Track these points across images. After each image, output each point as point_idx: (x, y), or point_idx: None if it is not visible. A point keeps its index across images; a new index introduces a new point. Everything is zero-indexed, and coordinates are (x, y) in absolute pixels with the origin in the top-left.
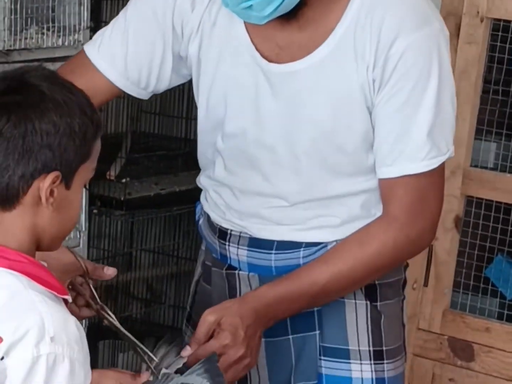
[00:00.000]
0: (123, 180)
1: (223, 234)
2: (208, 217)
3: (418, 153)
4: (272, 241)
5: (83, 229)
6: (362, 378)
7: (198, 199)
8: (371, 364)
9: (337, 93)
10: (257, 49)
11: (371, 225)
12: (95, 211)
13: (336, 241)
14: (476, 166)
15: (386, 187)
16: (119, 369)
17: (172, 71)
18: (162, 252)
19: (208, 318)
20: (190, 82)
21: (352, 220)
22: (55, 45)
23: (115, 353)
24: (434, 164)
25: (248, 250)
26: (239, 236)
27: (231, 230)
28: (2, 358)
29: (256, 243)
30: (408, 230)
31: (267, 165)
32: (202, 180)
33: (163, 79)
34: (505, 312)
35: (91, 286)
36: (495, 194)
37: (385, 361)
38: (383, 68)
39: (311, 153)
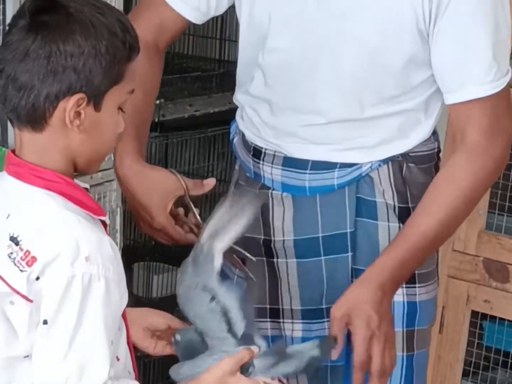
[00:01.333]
0: (157, 102)
1: (257, 152)
2: (243, 136)
3: (486, 76)
4: (307, 161)
5: None
6: (393, 302)
7: (232, 120)
8: (402, 287)
9: (386, 10)
10: None
11: (454, 158)
12: None
13: (371, 162)
14: None
15: (460, 113)
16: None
17: None
18: (197, 174)
19: (336, 314)
20: None
21: (388, 141)
22: None
23: (150, 275)
24: (501, 85)
25: (282, 169)
26: (274, 155)
27: (266, 149)
28: (38, 278)
29: (291, 163)
30: (492, 152)
31: (309, 81)
32: (238, 97)
33: (222, 2)
34: None
35: (193, 207)
36: None
37: (417, 285)
38: None
39: (355, 72)
